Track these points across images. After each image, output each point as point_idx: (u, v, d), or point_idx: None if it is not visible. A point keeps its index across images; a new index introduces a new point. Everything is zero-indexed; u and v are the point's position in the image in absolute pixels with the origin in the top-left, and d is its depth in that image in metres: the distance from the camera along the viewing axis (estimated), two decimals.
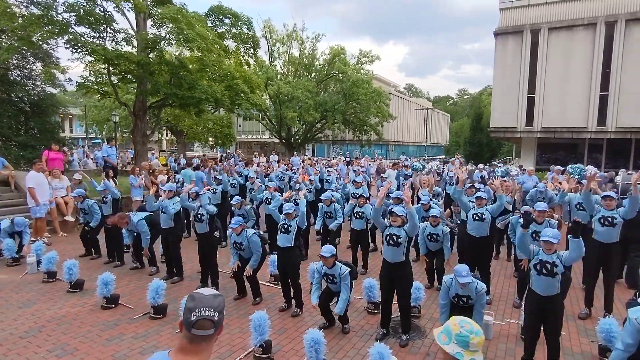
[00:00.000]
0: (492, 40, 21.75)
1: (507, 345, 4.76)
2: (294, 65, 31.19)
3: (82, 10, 12.32)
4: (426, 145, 50.19)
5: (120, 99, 15.47)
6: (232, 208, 8.16)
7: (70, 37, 12.31)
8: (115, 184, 11.02)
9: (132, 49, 13.96)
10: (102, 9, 12.97)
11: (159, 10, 13.33)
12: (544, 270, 3.97)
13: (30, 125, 14.25)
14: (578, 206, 6.50)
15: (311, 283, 6.28)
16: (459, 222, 7.00)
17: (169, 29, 13.42)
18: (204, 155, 29.21)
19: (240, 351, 4.50)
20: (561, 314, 4.07)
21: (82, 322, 5.20)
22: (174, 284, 6.59)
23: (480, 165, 16.26)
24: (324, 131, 32.95)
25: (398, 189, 9.48)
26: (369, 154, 31.35)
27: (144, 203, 8.55)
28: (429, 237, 6.29)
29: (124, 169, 17.26)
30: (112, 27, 13.26)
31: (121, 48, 13.66)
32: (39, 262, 7.00)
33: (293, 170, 13.47)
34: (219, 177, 9.55)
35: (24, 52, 13.49)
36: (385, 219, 4.87)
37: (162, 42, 13.79)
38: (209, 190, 8.22)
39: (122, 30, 13.55)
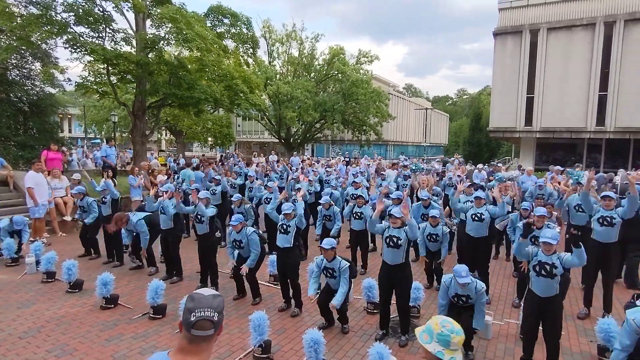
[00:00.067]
0: (491, 40, 21.75)
1: (506, 345, 4.76)
2: (293, 65, 31.19)
3: (81, 10, 12.31)
4: (425, 145, 50.22)
5: (120, 99, 15.46)
6: (232, 206, 8.18)
7: (69, 37, 12.30)
8: (115, 184, 11.02)
9: (131, 48, 13.94)
10: (101, 9, 12.96)
11: (158, 10, 13.31)
12: (543, 272, 3.96)
13: (29, 125, 14.24)
14: (577, 207, 6.50)
15: None
16: (458, 221, 7.01)
17: (168, 28, 13.41)
18: (203, 155, 29.15)
19: (240, 351, 4.51)
20: (560, 314, 4.08)
21: (82, 322, 5.20)
22: (174, 284, 6.59)
23: (480, 166, 16.26)
24: (323, 131, 32.95)
25: (397, 189, 9.49)
26: (369, 154, 31.36)
27: (143, 203, 8.56)
28: (429, 237, 6.29)
29: (123, 168, 17.25)
30: (111, 27, 13.25)
31: (120, 48, 13.65)
32: (38, 263, 6.99)
33: (292, 170, 13.46)
34: (217, 177, 9.55)
35: (22, 51, 13.47)
36: (384, 221, 4.87)
37: (161, 42, 13.78)
38: (207, 191, 8.20)
39: (121, 30, 13.55)
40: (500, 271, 7.56)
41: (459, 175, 10.62)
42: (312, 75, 31.26)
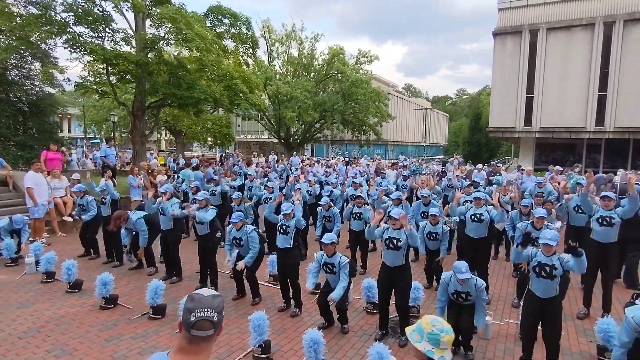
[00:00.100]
0: (491, 40, 21.75)
1: (505, 345, 4.77)
2: (293, 65, 31.18)
3: (80, 10, 12.32)
4: (425, 145, 50.24)
5: (119, 99, 15.46)
6: (232, 204, 8.22)
7: (69, 36, 12.30)
8: (114, 185, 11.01)
9: (130, 48, 13.95)
10: (100, 9, 12.96)
11: (158, 10, 13.32)
12: (543, 273, 3.95)
13: (29, 125, 14.23)
14: (576, 209, 6.51)
15: None
16: (458, 220, 7.01)
17: (168, 28, 13.42)
18: (203, 155, 29.17)
19: (240, 351, 4.51)
20: (560, 315, 4.08)
21: (81, 322, 5.20)
22: (173, 284, 6.59)
23: (479, 165, 16.27)
24: (322, 131, 32.95)
25: (397, 189, 9.49)
26: (368, 154, 31.36)
27: (143, 202, 8.57)
28: (429, 236, 6.28)
29: (123, 168, 17.24)
30: (110, 27, 13.26)
31: (120, 48, 13.67)
32: (37, 263, 6.98)
33: (292, 170, 13.46)
34: (215, 177, 9.54)
35: (22, 51, 13.47)
36: (382, 224, 4.86)
37: (161, 42, 13.79)
38: (206, 191, 8.19)
39: (120, 30, 13.56)
40: (500, 271, 7.56)
41: (457, 176, 10.61)
42: (311, 75, 31.26)
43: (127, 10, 13.27)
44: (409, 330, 2.07)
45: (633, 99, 18.05)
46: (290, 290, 5.60)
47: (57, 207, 9.83)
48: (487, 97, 42.41)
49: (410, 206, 7.77)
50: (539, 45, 19.98)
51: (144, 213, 7.07)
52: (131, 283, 6.69)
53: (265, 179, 10.92)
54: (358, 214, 7.15)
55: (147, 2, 13.72)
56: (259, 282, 6.07)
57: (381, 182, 10.51)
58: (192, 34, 12.46)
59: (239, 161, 17.04)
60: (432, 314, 5.54)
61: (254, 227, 5.96)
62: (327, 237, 4.91)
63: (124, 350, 4.52)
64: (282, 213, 5.64)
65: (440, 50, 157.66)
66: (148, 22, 14.22)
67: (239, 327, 5.08)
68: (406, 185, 10.28)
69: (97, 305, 5.66)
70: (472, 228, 6.01)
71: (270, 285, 6.61)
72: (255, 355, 4.31)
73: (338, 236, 7.46)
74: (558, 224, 6.92)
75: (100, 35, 13.20)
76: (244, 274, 5.91)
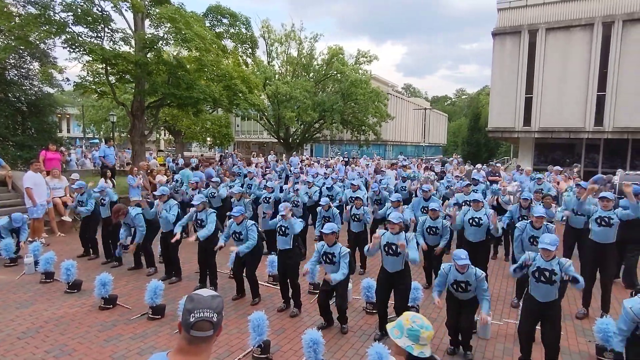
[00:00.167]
0: (490, 40, 21.76)
1: (505, 345, 4.77)
2: (292, 65, 31.16)
3: (79, 10, 12.31)
4: (424, 145, 50.20)
5: (118, 99, 15.45)
6: (232, 199, 8.22)
7: (68, 36, 12.28)
8: (113, 185, 11.00)
9: (130, 48, 13.93)
10: (99, 9, 12.95)
11: (157, 10, 13.31)
12: (542, 278, 3.92)
13: (28, 125, 14.21)
14: (575, 211, 6.51)
15: (309, 283, 6.33)
16: (455, 202, 7.07)
17: (167, 28, 13.40)
18: (202, 155, 29.15)
19: (239, 351, 4.50)
20: (560, 317, 4.07)
21: (80, 322, 5.19)
22: (172, 284, 6.58)
23: (479, 165, 16.29)
24: (322, 131, 32.93)
25: (397, 191, 9.47)
26: (368, 154, 31.36)
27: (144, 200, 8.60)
28: (428, 230, 6.28)
29: (122, 168, 17.23)
30: (109, 26, 13.25)
31: (119, 48, 13.66)
32: (36, 263, 6.98)
33: (292, 170, 13.45)
34: (215, 179, 9.53)
35: (21, 51, 13.45)
36: (378, 230, 4.87)
37: (160, 42, 13.78)
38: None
39: (120, 30, 13.55)
40: (499, 271, 7.57)
41: (457, 176, 10.62)
42: (311, 75, 31.24)
43: (126, 10, 13.27)
44: (389, 326, 2.11)
45: (632, 99, 18.07)
46: (290, 291, 5.60)
47: (56, 207, 9.81)
48: (486, 97, 42.45)
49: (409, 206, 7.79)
50: (538, 45, 19.99)
51: (141, 210, 7.10)
52: (130, 283, 6.68)
53: (264, 180, 10.92)
54: (357, 216, 7.16)
55: (146, 2, 13.70)
56: (258, 282, 6.07)
57: (381, 179, 10.52)
58: (192, 34, 12.45)
59: (238, 161, 17.04)
60: (431, 314, 5.56)
61: (254, 222, 5.97)
62: (328, 227, 4.94)
63: (123, 350, 4.51)
64: (279, 213, 5.63)
65: (439, 50, 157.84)
66: (147, 22, 14.21)
67: (238, 327, 5.07)
68: (405, 187, 10.28)
69: (96, 306, 5.66)
70: (471, 232, 5.99)
71: (269, 285, 6.61)
72: (255, 355, 4.31)
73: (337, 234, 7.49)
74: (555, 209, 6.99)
75: (99, 35, 13.18)
76: (244, 273, 5.92)
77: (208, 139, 29.92)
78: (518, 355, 4.31)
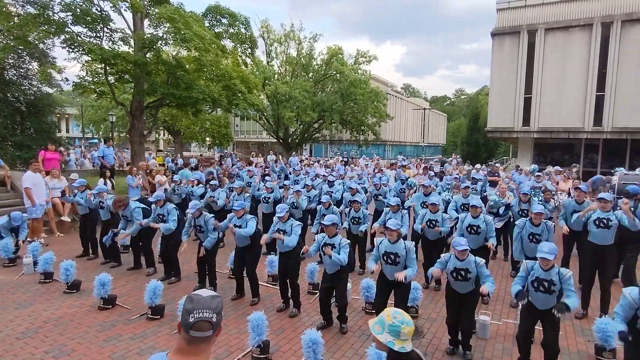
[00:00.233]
0: (489, 40, 21.78)
1: (504, 345, 4.78)
2: (292, 65, 31.16)
3: (78, 10, 12.29)
4: (423, 145, 50.24)
5: (117, 99, 15.43)
6: (233, 193, 8.22)
7: (67, 36, 12.27)
8: (113, 185, 11.00)
9: (129, 48, 13.92)
10: (98, 9, 12.93)
11: (156, 10, 13.29)
12: (541, 288, 3.90)
13: (27, 125, 14.17)
14: (574, 214, 6.51)
15: (309, 283, 6.33)
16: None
17: (166, 28, 13.39)
18: (201, 155, 29.13)
19: (238, 351, 4.50)
20: (559, 321, 4.06)
21: (79, 323, 5.18)
22: (172, 284, 6.58)
23: (478, 166, 16.32)
24: (321, 131, 32.95)
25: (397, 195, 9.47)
26: (367, 154, 31.36)
27: (145, 197, 8.63)
28: (428, 223, 6.30)
29: (121, 168, 17.22)
30: (109, 26, 13.24)
31: (118, 48, 13.65)
32: (35, 263, 6.96)
33: (291, 170, 13.45)
34: (213, 182, 9.46)
35: (20, 51, 13.42)
36: (376, 239, 4.88)
37: (159, 41, 13.76)
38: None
39: (119, 30, 13.54)
40: (499, 271, 7.57)
41: (456, 178, 10.62)
42: (310, 75, 31.25)
43: (125, 10, 13.26)
44: (371, 322, 2.13)
45: (631, 99, 18.10)
46: (289, 291, 5.60)
47: (55, 208, 9.80)
48: (486, 97, 42.47)
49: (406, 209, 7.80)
50: (537, 45, 20.02)
51: (144, 206, 7.13)
52: (129, 283, 6.68)
53: (262, 182, 10.92)
54: (357, 219, 7.16)
55: (145, 2, 13.68)
56: (258, 282, 6.07)
57: (381, 177, 10.54)
58: (191, 33, 12.44)
59: (237, 161, 17.02)
60: (431, 314, 5.57)
61: (253, 215, 6.01)
62: (328, 219, 4.96)
63: (123, 350, 4.51)
64: (277, 215, 5.62)
65: (439, 51, 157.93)
66: (146, 22, 14.19)
67: (237, 327, 5.07)
68: (404, 189, 10.27)
69: (95, 306, 5.65)
70: (470, 240, 5.96)
71: (269, 285, 6.61)
72: (254, 355, 4.31)
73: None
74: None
75: (98, 35, 13.17)
76: (245, 272, 5.93)
77: (207, 139, 29.89)
78: (517, 356, 4.31)
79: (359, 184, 10.19)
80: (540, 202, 7.28)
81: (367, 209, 7.75)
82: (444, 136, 70.15)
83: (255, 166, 15.64)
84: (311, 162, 20.53)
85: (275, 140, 32.66)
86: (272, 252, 7.27)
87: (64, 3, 12.21)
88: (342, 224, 7.67)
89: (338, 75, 29.32)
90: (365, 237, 7.56)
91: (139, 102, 14.42)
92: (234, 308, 5.73)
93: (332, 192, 9.51)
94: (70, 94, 35.83)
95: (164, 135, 34.42)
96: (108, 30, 13.30)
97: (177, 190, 10.18)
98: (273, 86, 26.71)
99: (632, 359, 3.50)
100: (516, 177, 11.93)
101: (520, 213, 7.06)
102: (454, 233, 6.37)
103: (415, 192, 9.29)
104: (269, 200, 8.82)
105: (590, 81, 18.99)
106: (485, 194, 9.30)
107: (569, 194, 9.49)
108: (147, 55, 13.63)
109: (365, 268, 7.40)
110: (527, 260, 4.19)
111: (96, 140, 36.66)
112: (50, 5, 12.23)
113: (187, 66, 14.36)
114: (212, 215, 6.45)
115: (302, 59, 31.04)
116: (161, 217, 6.67)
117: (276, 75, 30.00)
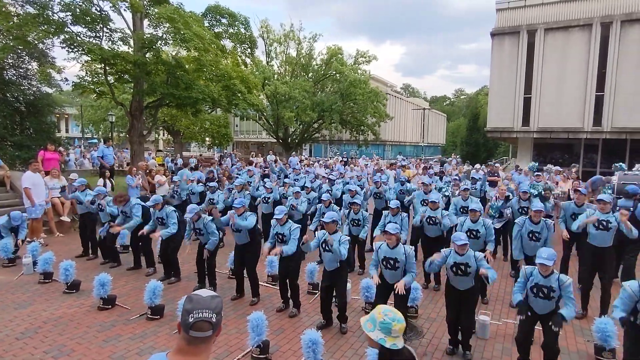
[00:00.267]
0: (489, 40, 21.78)
1: (503, 345, 4.78)
2: (291, 65, 31.17)
3: (78, 10, 12.28)
4: (423, 145, 50.26)
5: (117, 99, 15.43)
6: (233, 191, 8.21)
7: (66, 36, 12.27)
8: (112, 186, 10.99)
9: (128, 48, 13.91)
10: (98, 9, 12.93)
11: (156, 10, 13.29)
12: (540, 294, 3.89)
13: (26, 125, 14.16)
14: (573, 216, 6.51)
15: (309, 283, 6.33)
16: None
17: (166, 28, 13.39)
18: (201, 155, 29.11)
19: (238, 351, 4.50)
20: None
21: (79, 323, 5.18)
22: (171, 284, 6.58)
23: (477, 166, 16.31)
24: (321, 131, 32.95)
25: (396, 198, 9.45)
26: (367, 154, 31.36)
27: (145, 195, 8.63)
28: (428, 220, 6.32)
29: (120, 168, 17.21)
30: (108, 26, 13.23)
31: (118, 48, 13.64)
32: (35, 263, 6.96)
33: (290, 170, 13.44)
34: (212, 184, 9.41)
35: (19, 51, 13.41)
36: (374, 244, 4.88)
37: (159, 41, 13.76)
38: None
39: (118, 30, 13.53)
40: (498, 271, 7.53)
41: (455, 178, 10.61)
42: (309, 75, 31.26)
43: (124, 10, 13.26)
44: (363, 320, 2.17)
45: (630, 99, 18.11)
46: (289, 291, 5.60)
47: (54, 208, 9.80)
48: (485, 97, 42.50)
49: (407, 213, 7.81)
50: (536, 45, 20.02)
51: (144, 204, 7.13)
52: (129, 283, 6.67)
53: (261, 182, 10.91)
54: (356, 221, 7.16)
55: (145, 2, 13.68)
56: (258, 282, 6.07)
57: (380, 176, 10.52)
58: (190, 33, 12.44)
59: (237, 161, 17.01)
60: (430, 314, 5.57)
61: (252, 212, 6.02)
62: (329, 216, 4.97)
63: (122, 351, 4.51)
64: (275, 218, 5.61)
65: (438, 51, 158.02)
66: (146, 22, 14.19)
67: (237, 327, 5.07)
68: (404, 190, 10.26)
69: (95, 306, 5.65)
70: (469, 245, 5.97)
71: (269, 285, 6.61)
72: (254, 355, 4.31)
73: None
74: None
75: (98, 35, 13.16)
76: (245, 271, 5.92)
77: (207, 139, 29.90)
78: (517, 356, 4.30)
79: (358, 185, 10.19)
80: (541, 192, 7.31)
81: (366, 210, 7.75)
82: (444, 136, 70.18)
83: (255, 166, 15.64)
84: (311, 162, 20.52)
85: (275, 140, 32.66)
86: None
87: (64, 3, 12.20)
88: (341, 224, 7.69)
89: (338, 75, 29.33)
90: (364, 239, 7.55)
91: (139, 102, 14.41)
92: (233, 308, 5.73)
93: (330, 190, 9.52)
94: (70, 94, 35.84)
95: (163, 135, 34.44)
96: (107, 30, 13.29)
97: (177, 193, 10.17)
98: (273, 86, 26.72)
99: (631, 357, 3.50)
100: (516, 177, 11.93)
101: (520, 211, 7.09)
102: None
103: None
104: (269, 200, 8.83)
105: (590, 81, 19.00)
106: (484, 194, 9.31)
107: (569, 196, 9.48)
108: (146, 55, 13.63)
109: (365, 268, 7.40)
110: (526, 266, 4.19)
111: (96, 140, 36.64)
112: (50, 5, 12.22)
113: (187, 66, 14.35)
114: (211, 218, 6.44)
115: (302, 59, 31.05)
116: (160, 220, 6.64)
117: (276, 75, 30.01)
